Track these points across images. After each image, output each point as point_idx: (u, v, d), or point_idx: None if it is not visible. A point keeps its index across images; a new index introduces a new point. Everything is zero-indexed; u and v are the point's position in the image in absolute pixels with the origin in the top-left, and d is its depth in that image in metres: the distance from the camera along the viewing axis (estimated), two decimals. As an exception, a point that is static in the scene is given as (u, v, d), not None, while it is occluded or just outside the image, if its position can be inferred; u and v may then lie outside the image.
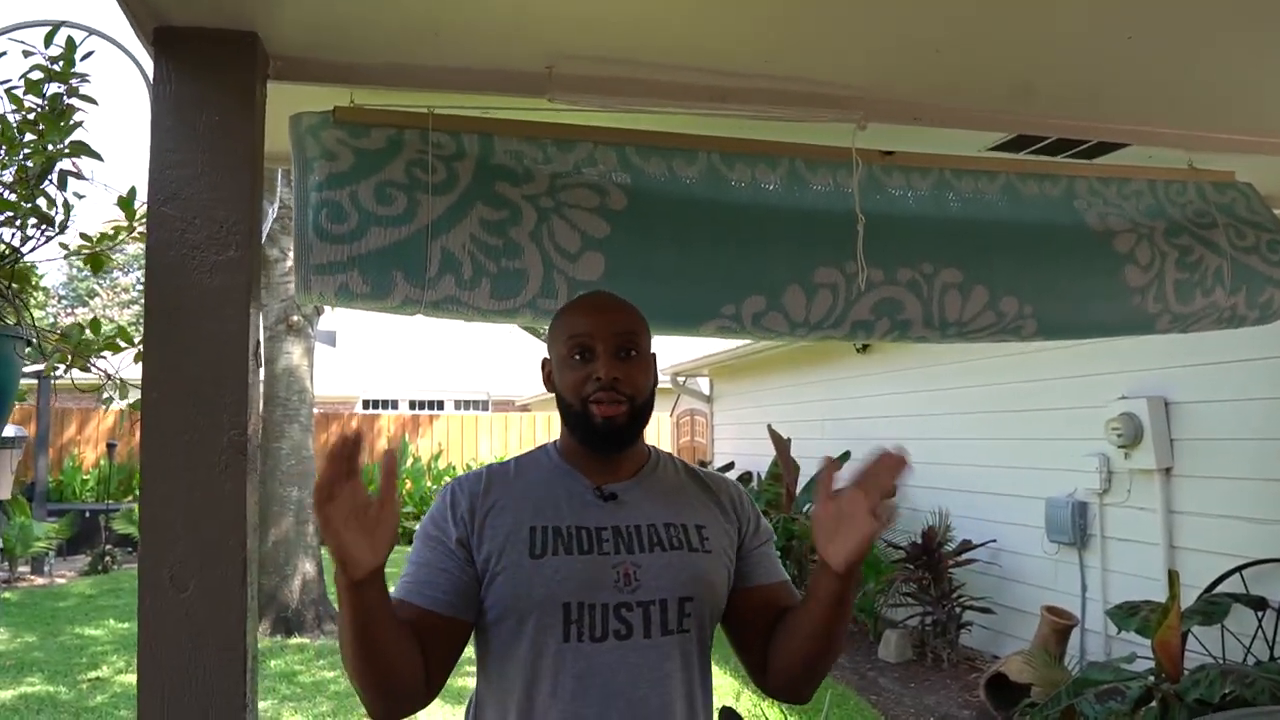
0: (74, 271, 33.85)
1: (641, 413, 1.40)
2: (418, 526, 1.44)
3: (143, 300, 1.37)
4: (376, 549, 1.13)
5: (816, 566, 1.30)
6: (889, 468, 1.23)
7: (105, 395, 1.61)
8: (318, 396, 7.81)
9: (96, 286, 32.30)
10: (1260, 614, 4.04)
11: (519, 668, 1.32)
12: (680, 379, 11.71)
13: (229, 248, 1.36)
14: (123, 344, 1.62)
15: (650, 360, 1.45)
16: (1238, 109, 2.31)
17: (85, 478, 12.80)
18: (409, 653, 1.25)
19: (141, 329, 1.36)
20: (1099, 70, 1.98)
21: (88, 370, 1.57)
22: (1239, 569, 4.20)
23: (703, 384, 11.89)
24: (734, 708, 1.47)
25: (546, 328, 1.60)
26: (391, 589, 1.27)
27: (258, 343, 1.43)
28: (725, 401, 11.27)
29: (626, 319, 1.43)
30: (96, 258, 1.57)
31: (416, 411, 17.42)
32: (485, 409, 19.97)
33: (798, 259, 2.11)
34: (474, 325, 28.56)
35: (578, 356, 1.40)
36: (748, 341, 9.05)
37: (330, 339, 22.12)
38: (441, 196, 1.87)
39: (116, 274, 31.12)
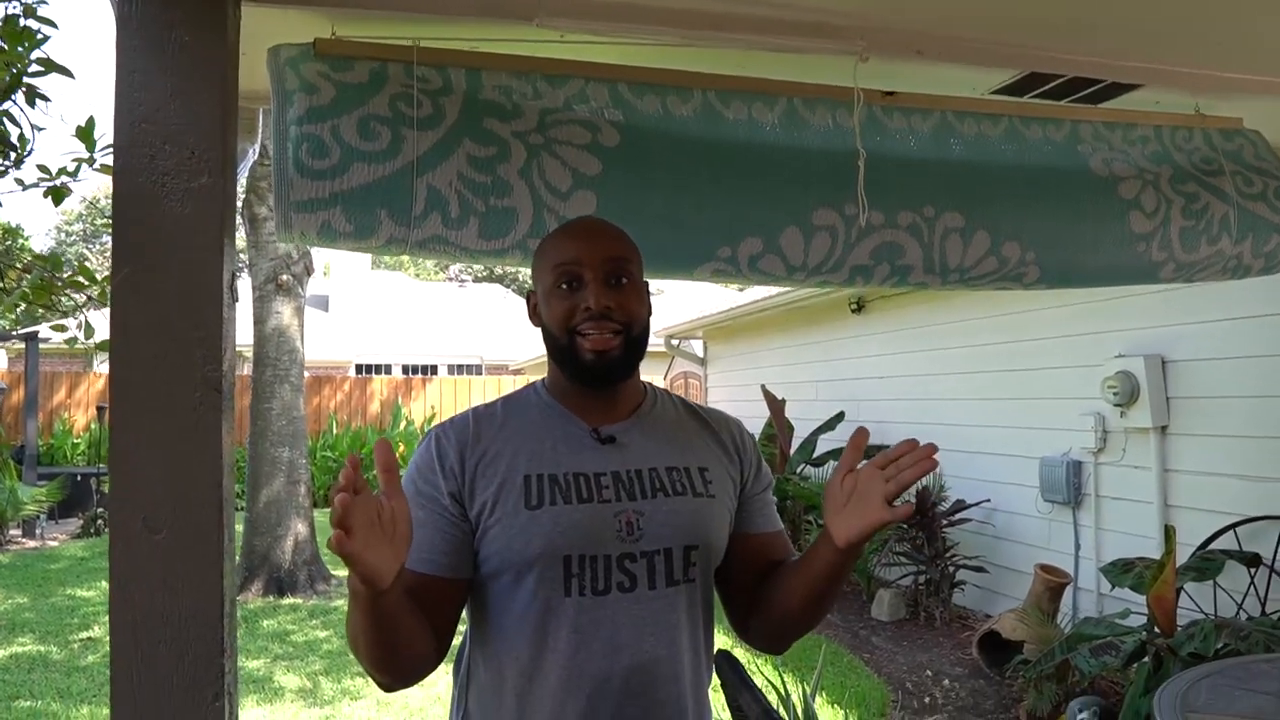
0: (62, 237, 33.57)
1: (636, 345, 1.32)
2: (402, 478, 1.36)
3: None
4: (399, 553, 1.06)
5: (820, 534, 1.26)
6: (916, 462, 1.18)
7: (70, 335, 1.54)
8: (310, 361, 7.75)
9: (86, 251, 32.03)
10: (1253, 570, 4.03)
11: (517, 625, 1.25)
12: (674, 341, 11.65)
13: (201, 174, 1.29)
14: (84, 281, 1.56)
15: (644, 289, 1.35)
16: (1249, 49, 2.24)
17: (76, 441, 12.74)
18: (421, 631, 1.19)
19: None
20: (1111, 3, 1.91)
21: (51, 307, 1.50)
22: (1233, 526, 4.19)
23: (696, 346, 11.84)
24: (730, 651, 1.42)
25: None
26: None
27: (233, 275, 1.36)
28: (719, 364, 11.22)
29: (617, 244, 1.34)
30: (57, 191, 1.50)
31: (410, 375, 17.35)
32: (479, 373, 19.92)
33: (795, 200, 2.05)
34: (467, 290, 28.45)
35: (565, 286, 1.30)
36: (742, 302, 9.01)
37: (323, 304, 22.01)
38: (427, 132, 1.80)
39: (106, 238, 30.83)
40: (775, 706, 1.24)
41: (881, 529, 1.18)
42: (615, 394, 1.35)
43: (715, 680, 1.44)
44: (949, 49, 1.93)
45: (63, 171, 1.60)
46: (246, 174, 6.90)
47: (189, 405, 1.26)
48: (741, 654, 4.52)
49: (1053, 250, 2.30)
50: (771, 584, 1.36)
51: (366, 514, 1.01)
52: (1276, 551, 4.00)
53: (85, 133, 1.56)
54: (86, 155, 1.58)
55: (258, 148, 2.21)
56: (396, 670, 1.20)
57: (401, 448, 13.30)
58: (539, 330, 1.37)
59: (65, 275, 1.54)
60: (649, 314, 1.36)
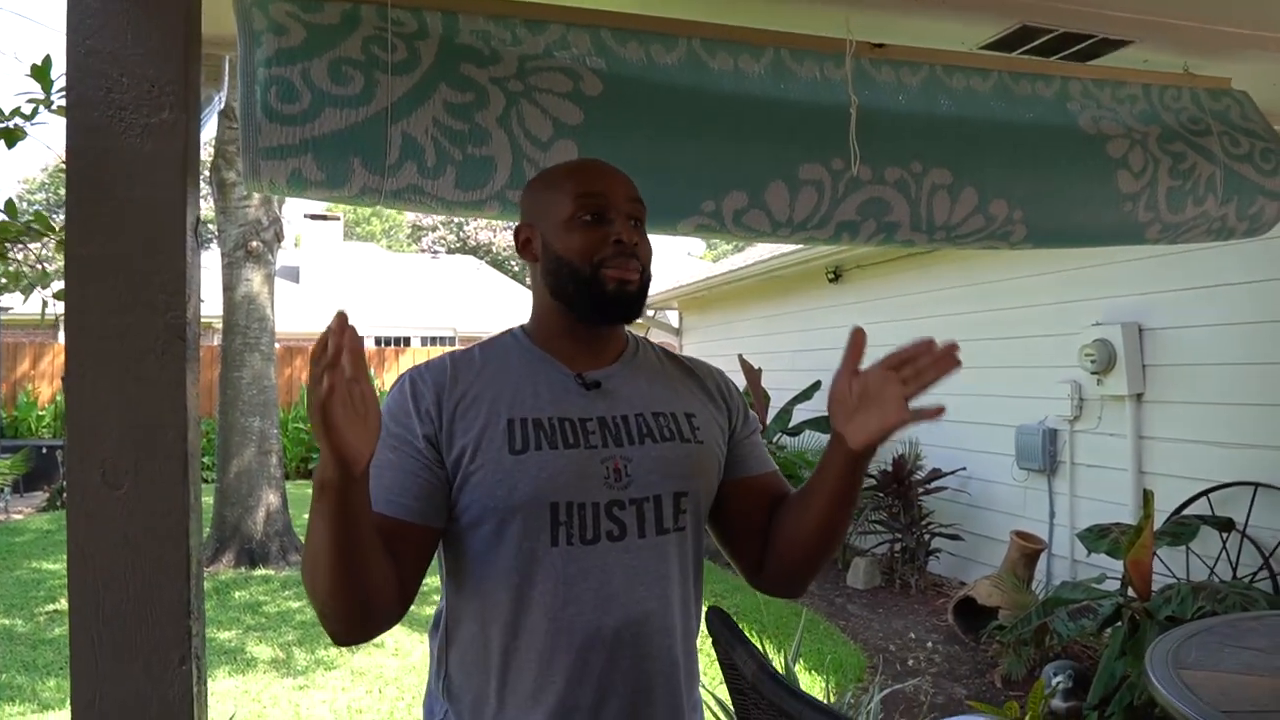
0: (24, 207, 32.75)
1: (647, 288, 1.29)
2: None
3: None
4: (371, 435, 1.00)
5: (830, 444, 1.21)
6: (938, 361, 1.14)
7: (25, 284, 1.47)
8: (282, 333, 7.62)
9: (55, 220, 31.27)
10: (1225, 535, 4.07)
11: (501, 576, 1.19)
12: (650, 312, 11.61)
13: (162, 109, 1.22)
14: (38, 227, 1.48)
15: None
16: (1240, 3, 2.20)
17: (41, 414, 12.51)
18: (387, 566, 1.12)
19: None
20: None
21: (2, 255, 1.42)
22: (1206, 492, 4.22)
23: (672, 317, 11.81)
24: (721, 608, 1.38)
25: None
26: None
27: (197, 219, 1.29)
28: (695, 334, 11.19)
29: (635, 188, 1.31)
30: (10, 133, 1.41)
31: (383, 347, 17.19)
32: (452, 344, 19.77)
33: (782, 153, 1.99)
34: (440, 261, 28.18)
35: (589, 217, 1.25)
36: (717, 272, 8.96)
37: (294, 275, 21.72)
38: (402, 77, 1.73)
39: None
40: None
41: (900, 428, 1.14)
42: (601, 339, 1.31)
43: (706, 639, 1.40)
44: (942, -4, 1.87)
45: (16, 113, 1.51)
46: (214, 129, 6.73)
47: (151, 353, 1.20)
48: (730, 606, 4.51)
49: (1040, 208, 2.27)
50: (782, 518, 1.32)
51: (342, 391, 0.96)
52: (1248, 516, 4.03)
53: (41, 72, 1.48)
54: (43, 96, 1.49)
55: (224, 97, 2.13)
56: (361, 605, 1.11)
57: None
58: (536, 265, 1.30)
59: (22, 222, 1.46)
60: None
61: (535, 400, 1.24)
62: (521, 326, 1.35)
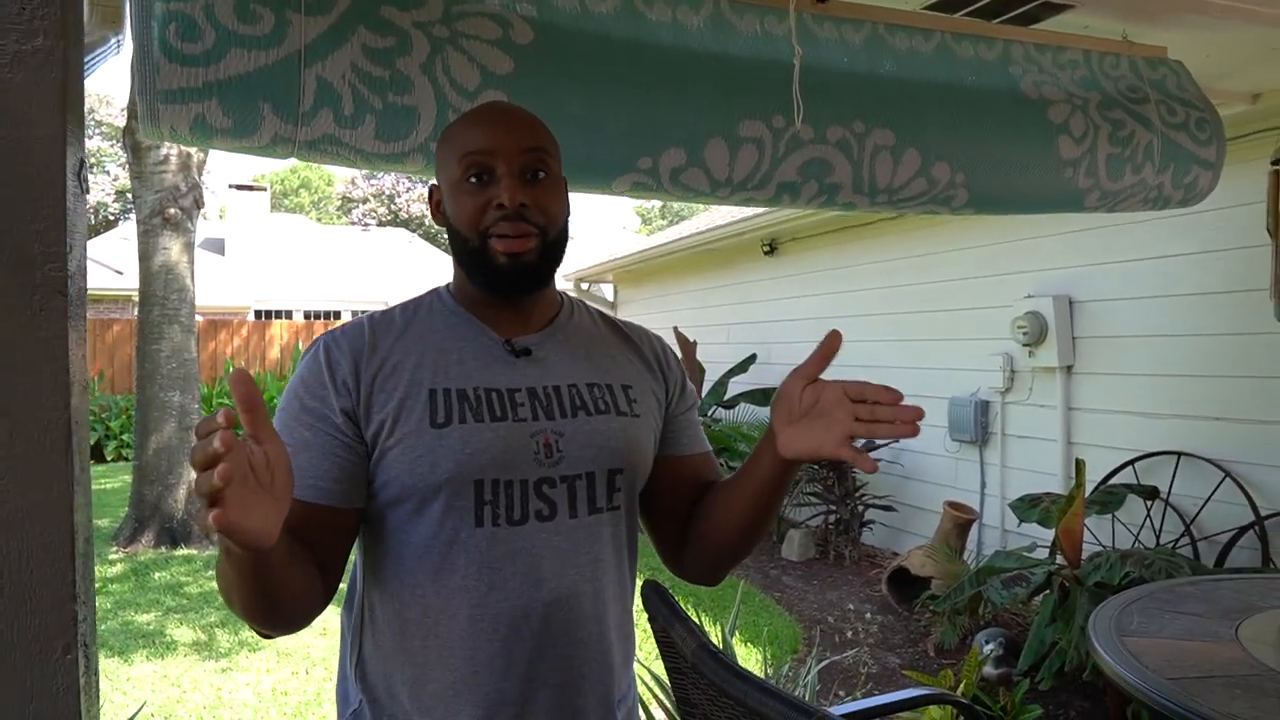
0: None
1: (554, 248, 1.16)
2: (284, 391, 1.17)
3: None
4: (281, 507, 0.86)
5: (762, 441, 1.13)
6: (899, 423, 1.03)
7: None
8: (206, 306, 7.34)
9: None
10: (1149, 503, 4.16)
11: (419, 559, 1.10)
12: (584, 284, 11.49)
13: (35, 35, 1.08)
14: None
15: (563, 185, 1.19)
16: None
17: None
18: (307, 576, 1.03)
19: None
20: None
21: None
22: (1132, 462, 4.31)
23: (606, 290, 11.69)
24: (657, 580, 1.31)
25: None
26: None
27: (81, 162, 1.16)
28: (630, 307, 11.11)
29: (533, 133, 1.15)
30: None
31: (311, 320, 16.75)
32: (384, 319, 19.35)
33: (721, 110, 1.91)
34: (371, 234, 27.58)
35: (474, 179, 1.12)
36: (653, 244, 8.87)
37: (219, 246, 21.00)
38: (316, 18, 1.60)
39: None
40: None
41: (830, 458, 1.06)
42: (530, 303, 1.19)
43: (642, 614, 1.33)
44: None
45: None
46: (128, 88, 6.39)
47: (26, 310, 1.07)
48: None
49: (982, 173, 2.23)
50: (707, 507, 1.24)
51: (239, 469, 0.81)
52: (1171, 484, 4.13)
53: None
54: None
55: (121, 41, 1.96)
56: (278, 620, 1.04)
57: (303, 395, 12.87)
58: (445, 230, 1.20)
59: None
60: (568, 214, 1.20)
61: (459, 369, 1.13)
62: (447, 286, 1.24)
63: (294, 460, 0.93)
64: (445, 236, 1.23)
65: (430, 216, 1.25)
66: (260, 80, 1.56)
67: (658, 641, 1.15)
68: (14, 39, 1.08)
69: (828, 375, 1.11)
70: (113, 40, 1.88)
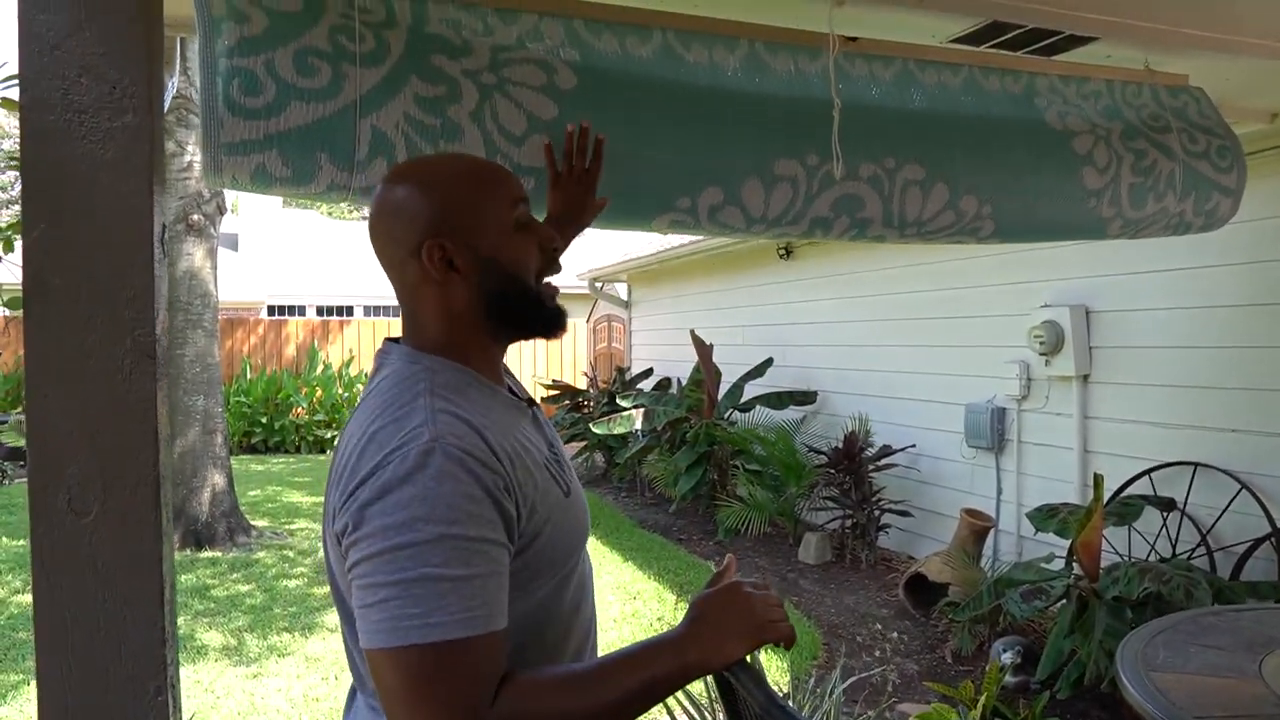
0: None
1: None
2: (426, 524, 0.91)
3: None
4: None
5: None
6: None
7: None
8: (221, 303, 7.40)
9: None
10: (1165, 514, 4.20)
11: (558, 628, 1.11)
12: (598, 284, 11.53)
13: (125, 113, 1.14)
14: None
15: None
16: (1206, 5, 2.23)
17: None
18: None
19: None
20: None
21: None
22: (1148, 472, 4.34)
23: (621, 289, 11.74)
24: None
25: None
26: (431, 621, 0.89)
27: (164, 227, 1.23)
28: (643, 307, 11.16)
29: None
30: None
31: (326, 317, 16.84)
32: (397, 315, 19.45)
33: (757, 149, 1.97)
34: (383, 229, 27.68)
35: (524, 224, 1.13)
36: (668, 245, 8.92)
37: (232, 243, 21.11)
38: (371, 69, 1.66)
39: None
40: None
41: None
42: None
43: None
44: (921, -7, 1.85)
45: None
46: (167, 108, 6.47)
47: (119, 373, 1.13)
48: (656, 598, 4.53)
49: (1008, 203, 2.28)
50: None
51: None
52: (1188, 495, 4.16)
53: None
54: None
55: (175, 82, 2.02)
56: None
57: (319, 392, 12.96)
58: (456, 279, 1.09)
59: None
60: None
61: (528, 437, 1.11)
62: (439, 359, 1.10)
63: (487, 591, 0.92)
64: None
65: (434, 274, 1.09)
66: (318, 131, 1.62)
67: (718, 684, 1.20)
68: (106, 117, 1.14)
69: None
70: (170, 84, 1.94)
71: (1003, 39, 2.35)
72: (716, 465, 7.35)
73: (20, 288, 1.28)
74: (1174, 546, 4.20)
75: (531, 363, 14.63)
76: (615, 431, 8.25)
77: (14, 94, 1.60)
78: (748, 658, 1.06)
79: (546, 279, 1.16)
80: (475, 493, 0.94)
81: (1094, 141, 2.37)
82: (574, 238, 1.69)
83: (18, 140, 1.13)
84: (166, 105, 2.10)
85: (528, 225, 1.14)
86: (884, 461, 6.00)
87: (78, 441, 1.12)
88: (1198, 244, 4.09)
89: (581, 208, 1.71)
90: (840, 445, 6.08)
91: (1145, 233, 2.56)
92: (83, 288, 1.12)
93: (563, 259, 1.23)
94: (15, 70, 1.16)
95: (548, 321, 1.16)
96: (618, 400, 9.13)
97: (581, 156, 1.72)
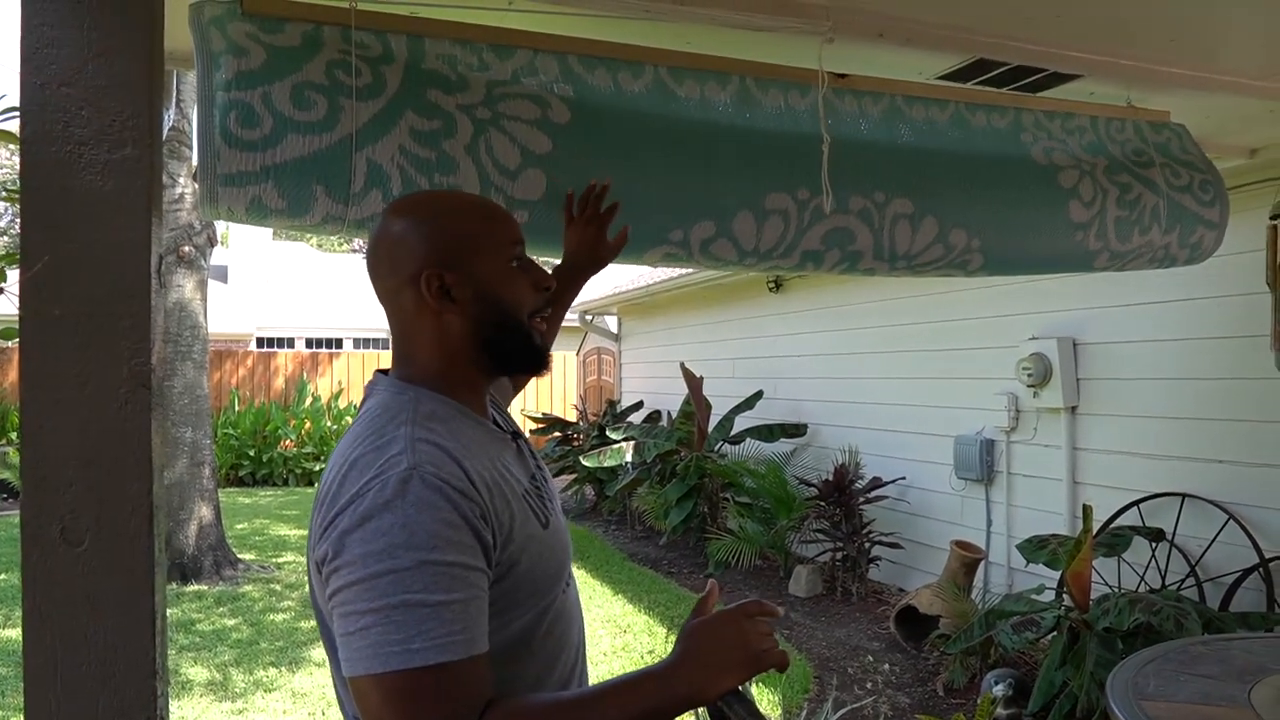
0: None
1: None
2: (406, 551, 0.92)
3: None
4: None
5: None
6: None
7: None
8: (209, 334, 7.38)
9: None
10: (1154, 545, 4.21)
11: (541, 659, 1.11)
12: (588, 317, 11.56)
13: (124, 145, 1.16)
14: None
15: None
16: (1186, 45, 2.28)
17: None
18: None
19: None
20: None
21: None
22: (1137, 503, 4.36)
23: (611, 322, 11.76)
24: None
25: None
26: (413, 646, 0.90)
27: (160, 259, 1.23)
28: (634, 340, 11.19)
29: None
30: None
31: (315, 350, 16.81)
32: (385, 347, 19.43)
33: (749, 183, 2.00)
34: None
35: (518, 264, 1.15)
36: (658, 278, 8.96)
37: (222, 274, 21.10)
38: (367, 102, 1.68)
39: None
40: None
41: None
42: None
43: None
44: (909, 32, 1.90)
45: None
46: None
47: (114, 403, 1.14)
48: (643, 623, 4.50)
49: (997, 237, 2.32)
50: None
51: None
52: (1176, 526, 4.18)
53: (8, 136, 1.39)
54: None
55: (171, 114, 2.04)
56: None
57: (308, 424, 12.89)
58: (451, 310, 1.10)
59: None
60: None
61: (510, 467, 1.12)
62: (423, 390, 1.10)
63: (467, 616, 0.93)
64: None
65: (431, 303, 1.10)
66: (314, 164, 1.63)
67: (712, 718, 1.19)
68: (105, 149, 1.16)
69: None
70: (166, 116, 1.95)
71: (989, 76, 2.40)
72: (707, 498, 7.33)
73: (12, 317, 1.29)
74: (1163, 577, 4.21)
75: (521, 396, 14.61)
76: (605, 464, 8.22)
77: (11, 125, 1.61)
78: (739, 688, 1.06)
79: (535, 320, 1.19)
80: (454, 519, 0.95)
81: (1079, 176, 2.41)
82: (591, 276, 1.81)
83: (11, 171, 1.14)
84: (164, 134, 2.12)
85: (525, 265, 1.17)
86: (874, 494, 6.00)
87: (72, 470, 1.12)
88: (1183, 277, 4.14)
89: (595, 248, 1.78)
90: (830, 478, 6.08)
91: (1131, 265, 2.59)
92: (81, 317, 1.13)
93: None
94: (15, 103, 1.17)
95: (534, 356, 1.19)
96: (608, 433, 9.11)
97: (597, 204, 1.79)
